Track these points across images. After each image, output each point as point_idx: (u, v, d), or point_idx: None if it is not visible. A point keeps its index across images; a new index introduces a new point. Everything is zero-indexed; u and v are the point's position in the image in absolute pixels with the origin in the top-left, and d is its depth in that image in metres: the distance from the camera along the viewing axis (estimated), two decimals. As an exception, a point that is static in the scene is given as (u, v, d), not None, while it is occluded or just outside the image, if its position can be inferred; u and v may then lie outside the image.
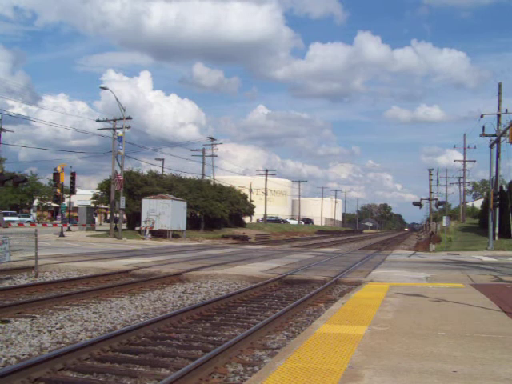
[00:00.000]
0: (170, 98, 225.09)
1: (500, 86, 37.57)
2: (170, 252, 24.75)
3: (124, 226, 43.79)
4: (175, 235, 40.00)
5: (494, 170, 34.13)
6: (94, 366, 6.12)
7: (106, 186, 42.61)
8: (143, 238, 36.97)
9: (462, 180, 73.34)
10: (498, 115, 36.43)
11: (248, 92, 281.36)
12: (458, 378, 4.91)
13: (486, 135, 34.16)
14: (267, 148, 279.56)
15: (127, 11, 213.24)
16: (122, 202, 37.00)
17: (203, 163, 57.24)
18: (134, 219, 44.02)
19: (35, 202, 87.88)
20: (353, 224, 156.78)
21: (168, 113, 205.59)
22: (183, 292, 12.43)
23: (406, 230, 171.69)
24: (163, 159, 62.83)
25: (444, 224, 37.73)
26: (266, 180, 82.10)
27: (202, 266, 17.41)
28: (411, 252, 32.58)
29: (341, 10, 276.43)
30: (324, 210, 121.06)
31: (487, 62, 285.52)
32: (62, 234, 36.50)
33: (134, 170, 45.72)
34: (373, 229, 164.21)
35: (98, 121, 39.61)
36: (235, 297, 11.25)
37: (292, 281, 14.49)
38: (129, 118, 38.61)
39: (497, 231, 33.82)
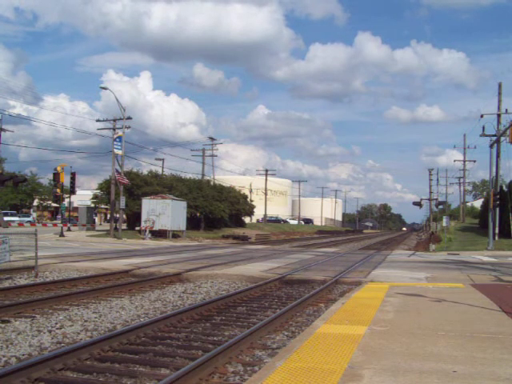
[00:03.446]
0: (170, 98, 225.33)
1: (500, 86, 37.60)
2: (169, 252, 24.75)
3: (124, 226, 43.77)
4: (175, 235, 39.99)
5: (494, 170, 34.15)
6: (93, 366, 6.12)
7: (105, 186, 42.60)
8: (143, 238, 36.96)
9: (462, 180, 73.49)
10: (498, 115, 36.43)
11: (248, 92, 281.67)
12: (457, 378, 4.91)
13: (486, 135, 34.13)
14: (267, 148, 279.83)
15: (128, 12, 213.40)
16: (122, 202, 36.99)
17: (203, 163, 57.28)
18: (134, 219, 44.02)
19: (35, 202, 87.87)
20: (353, 224, 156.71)
21: (168, 113, 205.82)
22: (183, 292, 12.43)
23: (404, 229, 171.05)
24: (163, 159, 62.94)
25: (444, 224, 37.73)
26: (266, 180, 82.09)
27: (202, 265, 17.41)
28: (411, 252, 32.58)
29: (341, 10, 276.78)
30: (324, 210, 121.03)
31: (487, 62, 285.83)
32: (62, 234, 36.49)
33: (134, 170, 45.84)
34: (373, 229, 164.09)
35: (98, 121, 39.61)
36: (235, 297, 11.25)
37: (292, 281, 14.48)
38: (129, 118, 38.62)
39: (497, 231, 33.81)
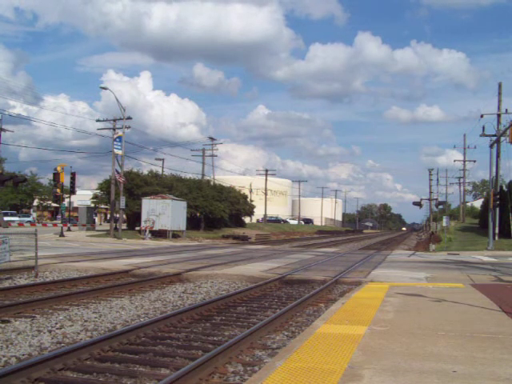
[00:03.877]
0: (170, 98, 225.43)
1: (500, 86, 37.60)
2: (169, 252, 24.75)
3: (124, 226, 43.77)
4: (175, 235, 39.99)
5: (494, 170, 34.15)
6: (93, 366, 6.12)
7: (106, 186, 42.61)
8: (143, 238, 36.96)
9: (462, 180, 73.49)
10: (498, 115, 36.43)
11: (248, 92, 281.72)
12: (457, 378, 4.91)
13: (486, 135, 34.13)
14: (267, 148, 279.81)
15: (128, 12, 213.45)
16: (122, 202, 36.98)
17: (203, 163, 57.27)
18: (133, 219, 44.01)
19: (35, 202, 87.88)
20: (353, 224, 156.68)
21: (168, 113, 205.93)
22: (183, 292, 12.43)
23: (404, 229, 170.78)
24: (163, 159, 62.87)
25: (444, 224, 37.73)
26: (266, 180, 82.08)
27: (202, 265, 17.41)
28: (411, 252, 32.58)
29: (341, 10, 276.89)
30: (324, 210, 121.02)
31: (486, 62, 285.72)
32: (62, 234, 36.50)
33: (134, 169, 45.83)
34: (373, 229, 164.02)
35: (98, 121, 39.62)
36: (235, 297, 11.25)
37: (292, 281, 14.48)
38: (129, 118, 38.62)
39: (497, 231, 33.81)
